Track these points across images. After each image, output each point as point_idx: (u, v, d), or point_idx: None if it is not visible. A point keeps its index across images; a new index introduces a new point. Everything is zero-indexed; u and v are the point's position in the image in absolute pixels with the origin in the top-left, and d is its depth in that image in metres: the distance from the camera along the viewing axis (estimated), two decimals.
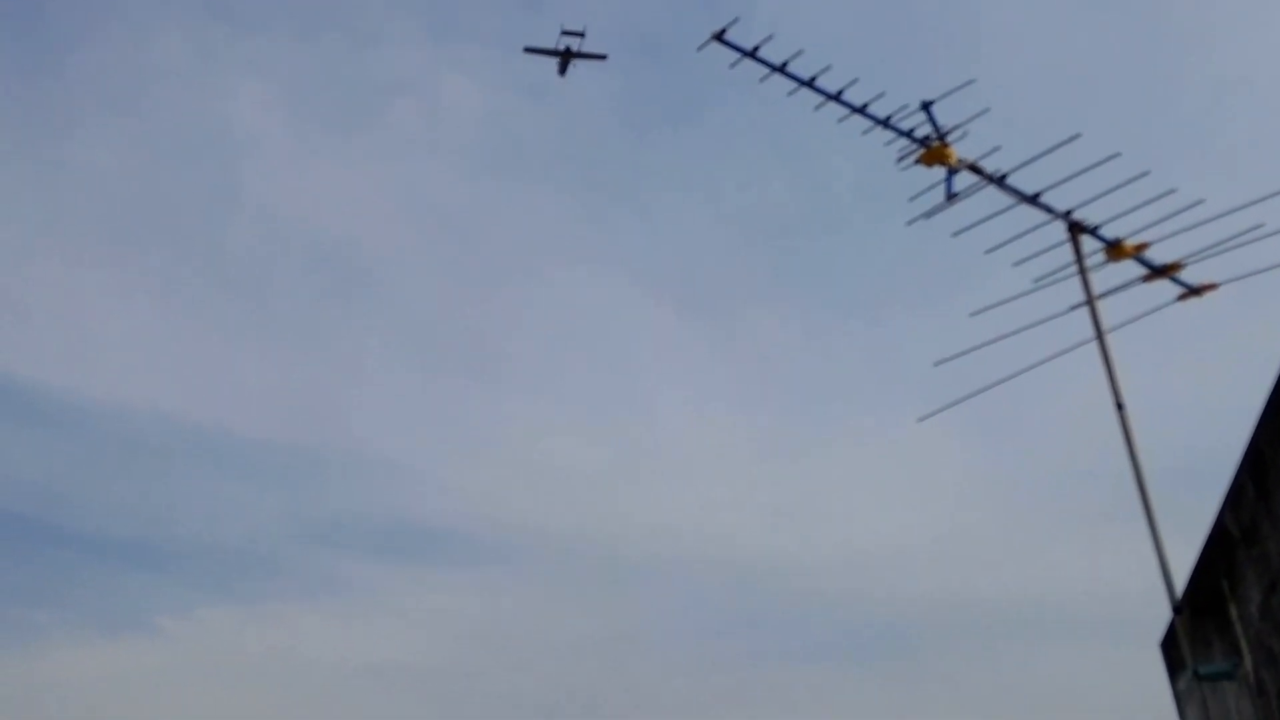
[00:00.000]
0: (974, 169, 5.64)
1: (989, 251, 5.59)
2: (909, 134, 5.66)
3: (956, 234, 5.48)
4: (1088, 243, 5.62)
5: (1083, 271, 5.56)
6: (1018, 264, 5.62)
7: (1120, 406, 5.14)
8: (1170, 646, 5.56)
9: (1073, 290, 5.66)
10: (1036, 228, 5.59)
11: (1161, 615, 5.75)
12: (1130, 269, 5.69)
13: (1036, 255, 5.66)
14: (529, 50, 40.93)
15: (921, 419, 7.40)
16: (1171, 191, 5.42)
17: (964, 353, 5.83)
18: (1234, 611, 4.81)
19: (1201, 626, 5.19)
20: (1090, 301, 5.53)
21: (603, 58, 41.12)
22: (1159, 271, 5.62)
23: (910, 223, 5.46)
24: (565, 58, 41.15)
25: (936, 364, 5.94)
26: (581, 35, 40.19)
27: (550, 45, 40.52)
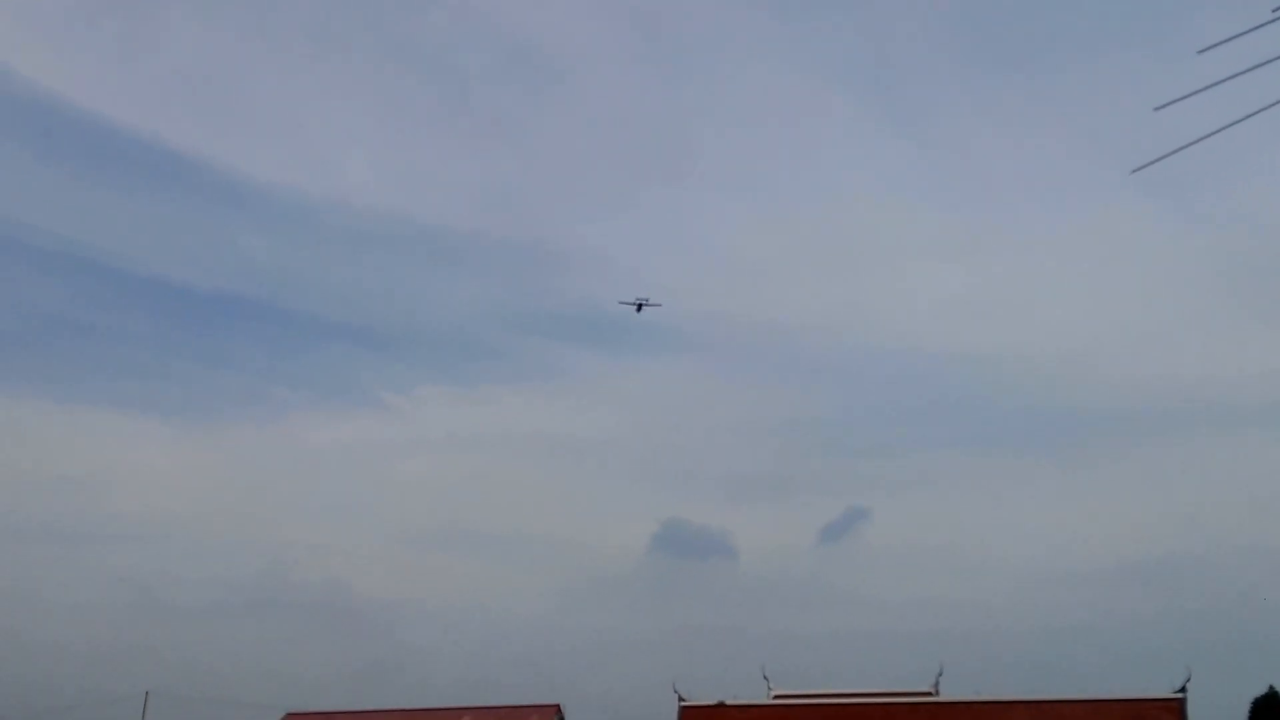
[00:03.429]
0: None
1: None
2: None
3: None
4: None
5: None
6: None
7: None
8: None
9: None
10: None
11: None
12: None
13: None
14: (621, 303, 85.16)
15: (1136, 170, 7.40)
16: None
17: (1188, 95, 5.66)
18: None
19: None
20: None
21: (659, 305, 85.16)
22: None
23: None
24: (640, 306, 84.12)
25: (1157, 109, 5.82)
26: (648, 298, 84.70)
27: (631, 300, 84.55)
